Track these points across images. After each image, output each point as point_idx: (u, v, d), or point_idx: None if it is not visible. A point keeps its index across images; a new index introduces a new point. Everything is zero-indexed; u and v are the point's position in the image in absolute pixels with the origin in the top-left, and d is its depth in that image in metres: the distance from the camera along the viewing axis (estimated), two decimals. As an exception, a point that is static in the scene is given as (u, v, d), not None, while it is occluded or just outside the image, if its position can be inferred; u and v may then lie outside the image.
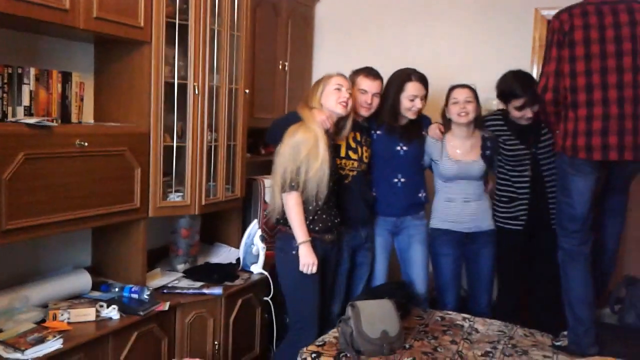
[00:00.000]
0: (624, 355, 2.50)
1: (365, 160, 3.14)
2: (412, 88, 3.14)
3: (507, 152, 3.24)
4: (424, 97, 3.18)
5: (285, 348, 2.93)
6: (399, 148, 3.21)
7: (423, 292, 3.28)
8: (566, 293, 2.68)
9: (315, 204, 2.80)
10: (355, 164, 3.09)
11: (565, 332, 2.73)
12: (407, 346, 2.62)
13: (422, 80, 3.18)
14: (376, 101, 3.13)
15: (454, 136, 3.24)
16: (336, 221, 2.93)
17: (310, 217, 2.80)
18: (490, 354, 2.61)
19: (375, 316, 2.59)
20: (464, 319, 3.04)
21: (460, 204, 3.21)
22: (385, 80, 3.18)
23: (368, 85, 3.09)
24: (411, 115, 3.18)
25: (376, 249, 3.27)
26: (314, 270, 2.78)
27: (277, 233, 2.95)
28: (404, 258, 3.33)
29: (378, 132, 3.22)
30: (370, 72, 3.13)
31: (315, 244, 2.80)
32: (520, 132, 3.22)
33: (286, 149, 2.77)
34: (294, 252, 2.79)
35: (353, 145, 3.09)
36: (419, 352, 2.57)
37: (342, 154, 3.06)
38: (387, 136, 3.21)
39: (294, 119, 2.88)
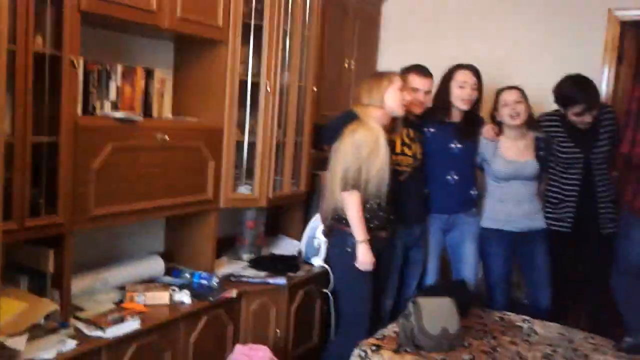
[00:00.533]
0: None
1: (419, 156, 3.17)
2: (461, 75, 3.18)
3: (560, 154, 3.24)
4: (477, 88, 3.19)
5: (338, 341, 3.02)
6: (453, 145, 3.24)
7: (474, 292, 3.31)
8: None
9: (375, 202, 2.85)
10: (410, 160, 3.12)
11: (627, 338, 2.74)
12: (466, 344, 2.68)
13: (472, 69, 3.21)
14: (428, 99, 3.17)
15: (507, 137, 3.26)
16: (391, 218, 2.97)
17: (368, 215, 2.84)
18: (551, 357, 2.63)
19: (436, 313, 2.65)
20: (523, 320, 3.06)
21: (512, 204, 3.23)
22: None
23: (419, 83, 3.12)
24: (463, 105, 3.18)
25: (429, 246, 3.31)
26: (370, 268, 2.84)
27: (333, 229, 2.99)
28: (456, 255, 3.37)
29: (432, 129, 3.25)
30: (421, 70, 3.16)
31: (371, 242, 2.85)
32: (576, 134, 3.22)
33: (347, 147, 2.79)
34: (348, 250, 2.84)
35: (407, 141, 3.13)
36: (478, 351, 2.62)
37: (397, 150, 3.08)
38: (441, 133, 3.23)
39: (350, 117, 2.90)
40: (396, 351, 2.58)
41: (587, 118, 3.13)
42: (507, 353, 2.64)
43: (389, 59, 4.35)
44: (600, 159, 3.20)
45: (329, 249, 3.12)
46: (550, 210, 3.29)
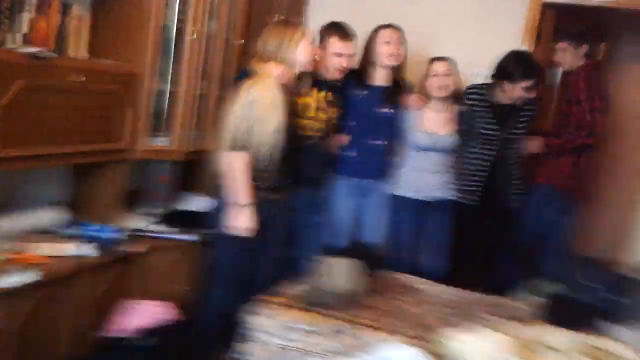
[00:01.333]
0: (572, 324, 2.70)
1: (334, 121, 3.13)
2: (386, 32, 3.15)
3: (480, 129, 3.36)
4: (402, 45, 3.17)
5: (217, 294, 2.84)
6: (384, 110, 3.24)
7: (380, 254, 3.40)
8: None
9: (268, 164, 2.70)
10: (323, 124, 3.08)
11: None
12: (371, 305, 2.72)
13: (396, 26, 3.18)
14: (351, 62, 3.09)
15: (431, 108, 3.31)
16: (287, 181, 2.86)
17: (258, 177, 2.70)
18: (449, 317, 2.73)
19: (346, 273, 2.67)
20: (424, 283, 3.17)
21: (426, 174, 3.31)
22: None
23: (342, 47, 3.02)
24: (391, 61, 3.15)
25: (339, 209, 3.31)
26: (250, 234, 2.71)
27: (218, 190, 2.80)
28: (367, 219, 3.40)
29: (363, 92, 3.22)
30: (343, 32, 3.03)
31: (260, 205, 2.72)
32: (497, 112, 3.34)
33: (240, 105, 2.62)
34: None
35: (323, 105, 3.07)
36: (381, 311, 2.67)
37: (312, 113, 3.03)
38: (371, 97, 3.21)
39: (246, 74, 2.74)
40: (303, 309, 2.57)
41: (532, 93, 3.26)
42: (407, 314, 2.71)
43: (320, 14, 4.23)
44: (516, 138, 3.34)
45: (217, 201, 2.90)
46: (460, 182, 3.41)
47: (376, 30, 3.19)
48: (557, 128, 3.57)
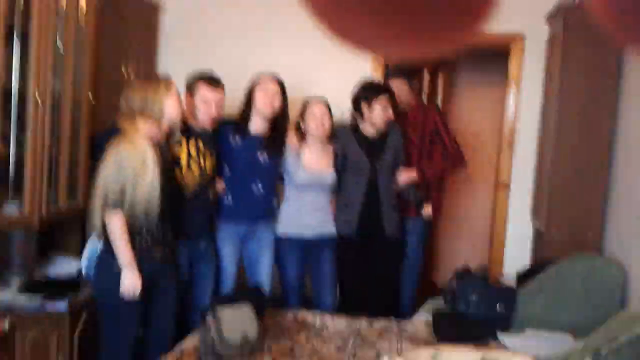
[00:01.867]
0: (458, 339, 2.85)
1: (208, 172, 3.11)
2: (264, 83, 3.21)
3: (351, 161, 3.50)
4: (279, 93, 3.22)
5: None
6: (259, 157, 3.28)
7: (269, 295, 3.42)
8: None
9: (145, 221, 2.64)
10: (197, 175, 3.05)
11: None
12: (265, 348, 2.73)
13: (278, 80, 3.25)
14: (220, 110, 3.08)
15: (309, 148, 3.42)
16: (167, 237, 2.78)
17: (137, 233, 2.63)
18: (342, 348, 2.80)
19: (235, 321, 2.66)
20: (314, 315, 3.23)
21: (308, 212, 3.40)
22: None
23: (211, 96, 3.01)
24: (266, 110, 3.19)
25: (224, 256, 3.31)
26: (137, 296, 2.63)
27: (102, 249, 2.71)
28: (252, 262, 3.43)
29: (237, 140, 3.25)
30: (211, 81, 3.04)
31: (141, 263, 2.64)
32: (366, 145, 3.52)
33: (109, 166, 2.56)
34: (116, 271, 2.61)
35: (194, 154, 3.04)
36: (277, 353, 2.70)
37: (183, 164, 3.00)
38: (248, 144, 3.26)
39: (116, 131, 2.68)
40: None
41: (389, 111, 3.43)
42: (304, 351, 2.75)
43: (169, 66, 4.26)
44: (385, 168, 3.52)
45: (95, 271, 2.80)
46: (338, 214, 3.52)
47: (255, 79, 3.26)
48: (420, 162, 3.77)
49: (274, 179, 3.41)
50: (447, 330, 3.03)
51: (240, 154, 3.26)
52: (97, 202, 2.60)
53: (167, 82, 2.74)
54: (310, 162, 3.40)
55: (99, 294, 2.80)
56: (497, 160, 4.34)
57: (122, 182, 2.55)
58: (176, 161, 2.97)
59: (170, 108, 2.69)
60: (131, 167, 2.54)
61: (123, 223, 2.58)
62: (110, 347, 2.74)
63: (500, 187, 4.27)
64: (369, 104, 3.46)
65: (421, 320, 3.31)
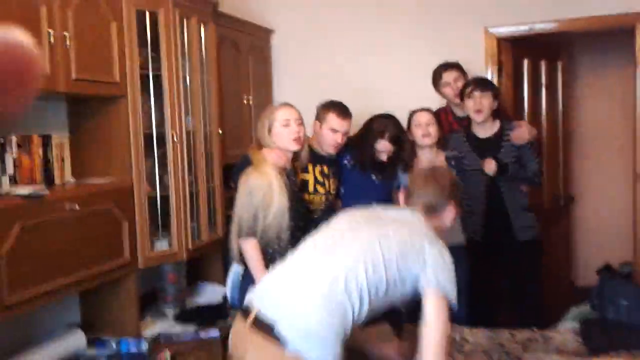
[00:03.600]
0: (611, 348, 2.69)
1: (332, 192, 3.17)
2: (377, 124, 3.21)
3: (466, 168, 3.41)
4: (391, 139, 3.20)
5: None
6: (373, 178, 3.28)
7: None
8: None
9: (278, 246, 2.72)
10: (323, 197, 3.12)
11: None
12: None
13: (391, 119, 3.23)
14: (344, 139, 3.12)
15: (421, 159, 3.38)
16: None
17: (269, 258, 2.70)
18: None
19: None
20: (453, 329, 3.17)
21: None
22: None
23: (338, 125, 3.04)
24: (382, 157, 3.20)
25: None
26: None
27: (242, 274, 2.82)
28: None
29: (351, 161, 3.28)
30: (341, 110, 3.08)
31: None
32: (480, 145, 3.41)
33: (241, 194, 2.70)
34: None
35: (320, 179, 3.11)
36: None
37: (310, 189, 3.07)
38: (361, 167, 3.27)
39: (246, 162, 2.79)
40: None
41: (480, 103, 3.33)
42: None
43: (285, 90, 4.37)
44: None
45: (239, 291, 2.88)
46: (464, 222, 3.44)
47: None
48: None
49: (389, 199, 3.32)
50: (599, 339, 2.87)
51: (353, 176, 3.28)
52: (233, 231, 2.74)
53: (269, 114, 2.83)
54: None
55: None
56: (634, 150, 4.06)
57: (254, 210, 2.66)
58: (304, 185, 3.05)
59: (277, 139, 2.77)
60: (260, 195, 2.66)
61: (257, 248, 2.69)
62: None
63: (639, 178, 4.00)
64: (461, 97, 3.41)
65: (568, 328, 3.16)
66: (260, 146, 2.81)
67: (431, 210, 2.14)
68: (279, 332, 1.79)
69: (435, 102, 3.71)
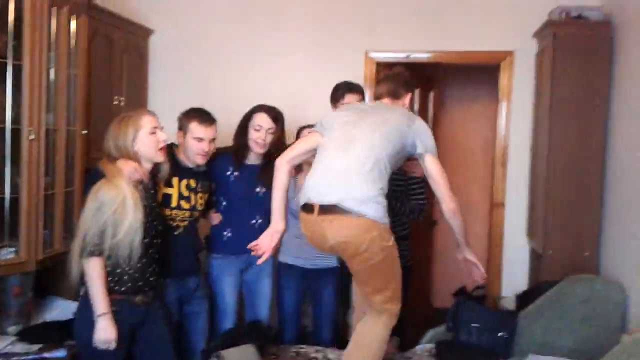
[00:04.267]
0: None
1: (200, 207, 3.04)
2: (259, 118, 3.12)
3: None
4: (273, 132, 3.13)
5: None
6: (258, 190, 3.20)
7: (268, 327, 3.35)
8: None
9: (127, 266, 2.50)
10: (187, 213, 2.97)
11: None
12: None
13: (273, 114, 3.14)
14: (212, 146, 2.99)
15: (305, 175, 3.34)
16: (151, 279, 2.61)
17: (116, 279, 2.49)
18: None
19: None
20: (317, 351, 3.15)
21: (307, 241, 3.32)
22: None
23: (203, 132, 2.90)
24: (257, 149, 3.12)
25: (223, 288, 3.21)
26: (112, 347, 2.47)
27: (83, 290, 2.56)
28: (252, 291, 3.34)
29: (235, 173, 3.18)
30: (204, 118, 2.92)
31: (122, 310, 2.50)
32: None
33: (88, 210, 2.42)
34: (95, 319, 2.45)
35: (186, 193, 2.96)
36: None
37: (174, 204, 2.91)
38: (244, 177, 3.17)
39: (98, 175, 2.52)
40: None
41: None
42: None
43: (161, 92, 4.18)
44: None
45: (76, 313, 2.64)
46: None
47: (251, 112, 3.16)
48: None
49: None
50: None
51: (236, 186, 3.19)
52: (74, 249, 2.46)
53: (136, 119, 2.56)
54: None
55: (79, 341, 2.62)
56: (491, 179, 4.34)
57: (102, 227, 2.41)
58: (167, 200, 2.88)
59: (142, 147, 2.55)
60: (111, 210, 2.41)
61: (100, 270, 2.44)
62: None
63: (495, 206, 4.27)
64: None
65: (425, 348, 3.28)
66: (112, 158, 2.53)
67: (394, 96, 2.82)
68: (343, 206, 2.42)
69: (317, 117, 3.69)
